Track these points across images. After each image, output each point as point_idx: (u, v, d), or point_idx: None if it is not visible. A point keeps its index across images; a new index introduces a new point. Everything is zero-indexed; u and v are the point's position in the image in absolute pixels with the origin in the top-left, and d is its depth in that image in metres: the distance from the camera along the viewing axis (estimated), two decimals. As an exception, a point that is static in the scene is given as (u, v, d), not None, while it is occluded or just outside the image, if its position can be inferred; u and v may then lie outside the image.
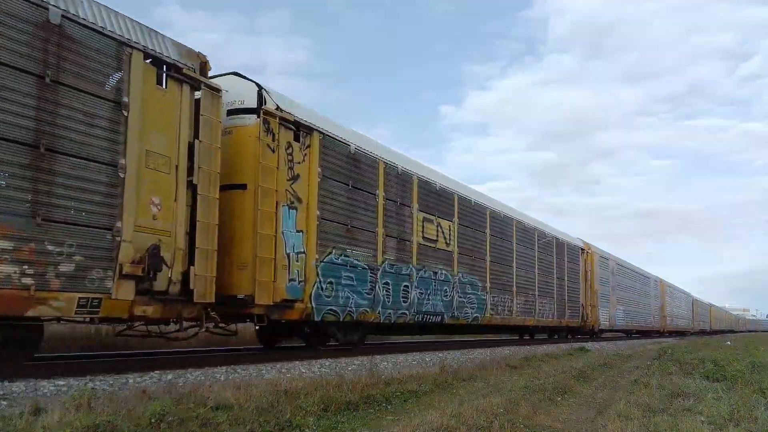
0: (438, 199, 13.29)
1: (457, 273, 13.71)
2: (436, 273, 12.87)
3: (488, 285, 15.33)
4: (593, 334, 24.98)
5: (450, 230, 13.57)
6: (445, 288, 13.19)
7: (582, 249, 23.95)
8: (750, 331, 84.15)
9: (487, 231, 15.54)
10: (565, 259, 21.55)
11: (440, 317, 12.98)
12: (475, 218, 14.94)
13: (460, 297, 13.82)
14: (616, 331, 30.06)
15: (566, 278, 21.44)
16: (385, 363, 9.21)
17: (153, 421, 3.99)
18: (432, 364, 9.55)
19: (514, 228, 17.31)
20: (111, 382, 5.84)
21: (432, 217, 12.88)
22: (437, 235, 13.01)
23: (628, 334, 33.17)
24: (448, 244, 13.49)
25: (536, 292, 18.54)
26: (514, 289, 16.88)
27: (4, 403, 4.70)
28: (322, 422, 4.70)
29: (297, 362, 8.63)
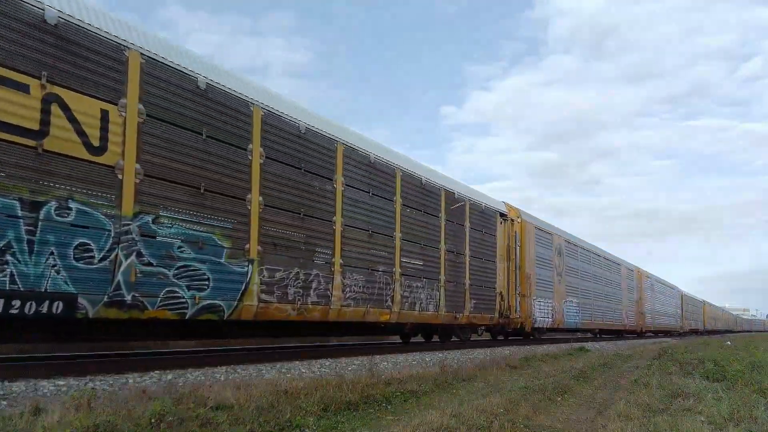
0: (55, 46, 6.14)
1: (136, 214, 6.75)
2: (33, 205, 5.85)
3: (256, 249, 8.29)
4: (527, 335, 18.91)
5: (108, 122, 6.56)
6: (79, 242, 6.21)
7: (503, 215, 16.65)
8: (747, 331, 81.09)
9: (255, 148, 8.36)
10: (466, 225, 14.43)
11: (49, 303, 5.92)
12: (211, 117, 7.78)
13: (150, 265, 6.88)
14: (568, 330, 23.17)
15: (468, 254, 14.40)
16: (385, 363, 9.22)
17: (153, 421, 3.99)
18: (432, 364, 9.56)
19: (340, 158, 10.16)
20: (111, 382, 5.85)
21: (21, 79, 5.85)
22: (47, 123, 6.02)
23: (595, 334, 27.13)
24: (98, 149, 6.45)
25: (398, 271, 11.54)
26: (338, 260, 9.86)
27: (4, 403, 4.70)
28: (322, 422, 4.71)
29: (297, 362, 8.65)
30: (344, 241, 10.15)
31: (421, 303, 12.36)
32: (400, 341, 14.90)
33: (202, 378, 6.56)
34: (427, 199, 12.89)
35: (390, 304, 11.34)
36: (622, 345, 20.96)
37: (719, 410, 5.43)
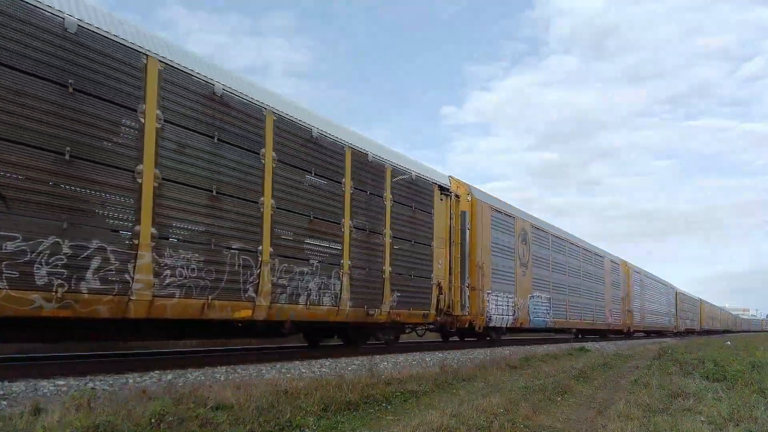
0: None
1: None
2: None
3: None
4: (483, 335, 15.89)
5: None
6: None
7: (445, 189, 13.43)
8: (746, 331, 79.34)
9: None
10: (386, 197, 11.32)
11: None
12: None
13: None
14: (536, 330, 20.33)
15: (389, 234, 11.29)
16: (385, 363, 9.22)
17: (153, 421, 3.99)
18: (432, 364, 9.56)
19: (153, 81, 7.06)
20: (111, 382, 5.85)
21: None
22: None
23: (575, 335, 24.86)
24: None
25: (267, 250, 8.43)
26: (147, 229, 6.88)
27: (4, 403, 4.70)
28: (322, 422, 4.71)
29: (297, 362, 8.64)
30: (161, 203, 7.03)
31: (309, 294, 9.17)
32: (307, 345, 12.17)
33: (202, 378, 6.56)
34: (320, 157, 9.65)
35: (253, 294, 8.20)
36: (622, 345, 20.95)
37: (719, 410, 5.44)
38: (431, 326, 13.57)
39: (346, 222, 10.18)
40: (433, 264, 12.74)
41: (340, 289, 9.89)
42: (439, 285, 12.84)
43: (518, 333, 20.25)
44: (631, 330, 30.83)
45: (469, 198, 14.79)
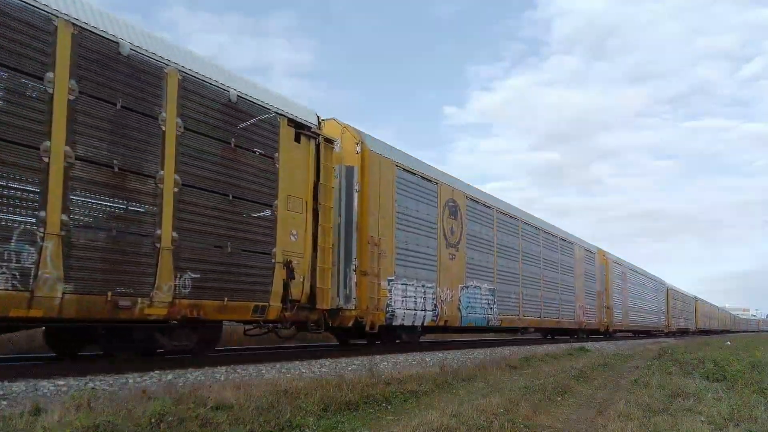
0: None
1: None
2: None
3: None
4: (395, 338, 12.61)
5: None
6: None
7: (302, 126, 9.45)
8: (743, 332, 77.62)
9: None
10: (166, 120, 7.20)
11: None
12: None
13: None
14: (475, 330, 16.73)
15: (177, 180, 7.32)
16: (385, 363, 9.21)
17: (153, 421, 3.99)
18: (432, 364, 9.56)
19: None
20: (111, 382, 5.84)
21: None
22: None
23: (545, 335, 22.05)
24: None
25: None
26: None
27: (4, 403, 4.70)
28: (322, 422, 4.71)
29: (297, 362, 8.63)
30: None
31: None
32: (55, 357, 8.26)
33: (202, 378, 6.56)
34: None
35: None
36: (622, 345, 20.97)
37: (719, 410, 5.44)
38: (271, 324, 9.35)
39: (57, 147, 6.11)
40: (275, 234, 8.84)
41: (38, 262, 5.89)
42: (288, 265, 8.99)
43: (452, 333, 16.16)
44: (611, 329, 26.77)
45: (358, 149, 10.79)
